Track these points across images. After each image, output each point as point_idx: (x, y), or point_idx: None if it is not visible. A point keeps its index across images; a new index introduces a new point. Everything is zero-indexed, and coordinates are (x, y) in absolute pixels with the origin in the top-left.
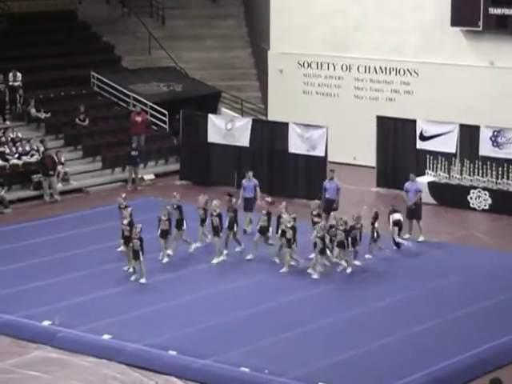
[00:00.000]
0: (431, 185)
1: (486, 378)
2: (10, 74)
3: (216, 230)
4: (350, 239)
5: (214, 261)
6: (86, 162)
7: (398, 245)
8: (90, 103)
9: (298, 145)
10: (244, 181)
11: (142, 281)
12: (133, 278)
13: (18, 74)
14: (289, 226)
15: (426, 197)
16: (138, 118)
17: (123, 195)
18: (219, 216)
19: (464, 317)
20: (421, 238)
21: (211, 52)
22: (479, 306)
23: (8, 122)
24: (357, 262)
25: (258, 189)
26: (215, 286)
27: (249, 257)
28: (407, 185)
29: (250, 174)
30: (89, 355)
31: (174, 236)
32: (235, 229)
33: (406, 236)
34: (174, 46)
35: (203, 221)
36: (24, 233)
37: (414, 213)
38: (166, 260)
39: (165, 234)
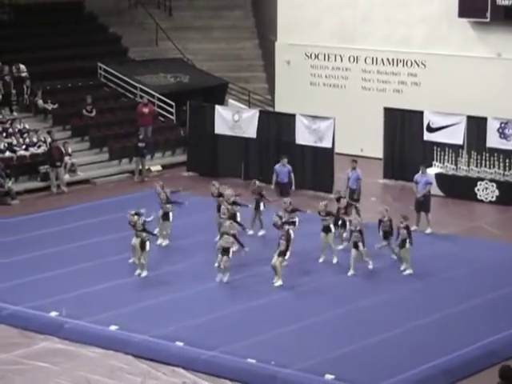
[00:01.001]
0: (438, 176)
1: (493, 369)
2: (13, 67)
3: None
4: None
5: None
6: (93, 153)
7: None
8: (97, 94)
9: (305, 136)
10: (277, 166)
11: (144, 274)
12: (137, 272)
13: (22, 67)
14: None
15: (433, 188)
16: (145, 110)
17: (160, 182)
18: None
19: (471, 308)
20: (428, 230)
21: (218, 43)
22: (486, 297)
23: (15, 114)
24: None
25: (292, 175)
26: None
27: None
28: (417, 176)
29: (285, 160)
30: (96, 346)
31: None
32: (261, 208)
33: (413, 228)
34: (181, 37)
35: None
36: (31, 224)
37: (422, 205)
38: (165, 243)
39: (166, 217)
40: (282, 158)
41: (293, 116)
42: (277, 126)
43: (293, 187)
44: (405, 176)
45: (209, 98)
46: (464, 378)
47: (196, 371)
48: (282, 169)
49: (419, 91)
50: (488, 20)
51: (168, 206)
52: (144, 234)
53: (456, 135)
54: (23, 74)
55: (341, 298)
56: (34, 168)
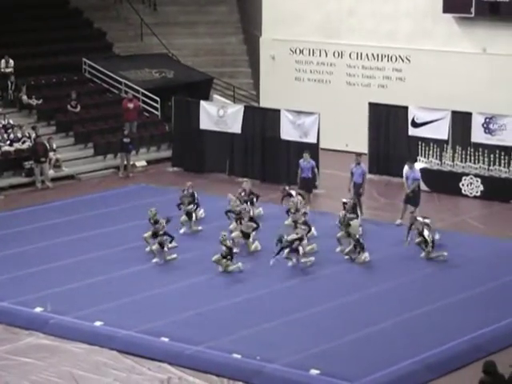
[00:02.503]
0: (423, 171)
1: (477, 364)
2: (3, 61)
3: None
4: None
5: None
6: (77, 148)
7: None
8: (81, 90)
9: (289, 131)
10: (301, 161)
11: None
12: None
13: (11, 61)
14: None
15: None
16: (130, 105)
17: (189, 183)
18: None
19: (455, 303)
20: None
21: (203, 38)
22: (471, 292)
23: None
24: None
25: (315, 170)
26: (208, 273)
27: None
28: (406, 172)
29: (307, 155)
30: (81, 342)
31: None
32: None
33: (398, 222)
34: (165, 32)
35: None
36: (15, 220)
37: (410, 200)
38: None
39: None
40: (304, 153)
41: (277, 111)
42: (262, 122)
43: (316, 182)
44: (390, 171)
45: (194, 94)
46: (448, 372)
47: (181, 366)
48: (306, 165)
49: (404, 86)
50: (473, 15)
51: (190, 206)
52: (164, 238)
53: (441, 130)
54: (8, 70)
55: (326, 292)
56: (18, 163)
